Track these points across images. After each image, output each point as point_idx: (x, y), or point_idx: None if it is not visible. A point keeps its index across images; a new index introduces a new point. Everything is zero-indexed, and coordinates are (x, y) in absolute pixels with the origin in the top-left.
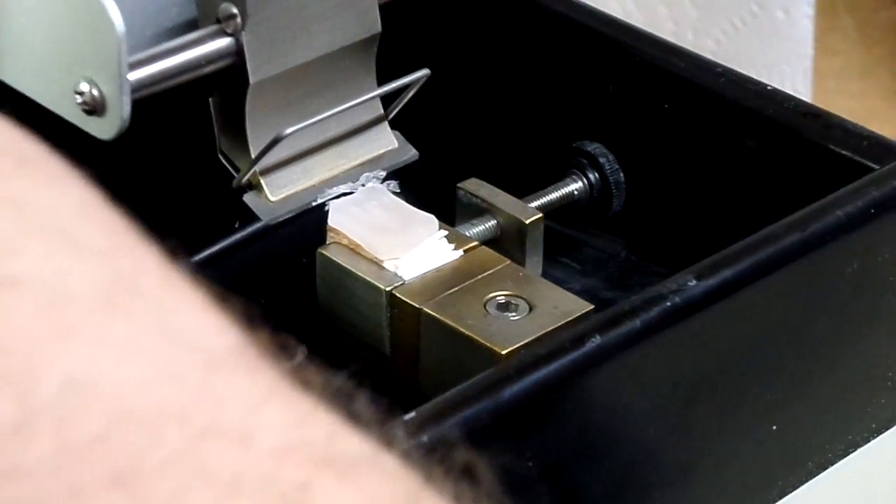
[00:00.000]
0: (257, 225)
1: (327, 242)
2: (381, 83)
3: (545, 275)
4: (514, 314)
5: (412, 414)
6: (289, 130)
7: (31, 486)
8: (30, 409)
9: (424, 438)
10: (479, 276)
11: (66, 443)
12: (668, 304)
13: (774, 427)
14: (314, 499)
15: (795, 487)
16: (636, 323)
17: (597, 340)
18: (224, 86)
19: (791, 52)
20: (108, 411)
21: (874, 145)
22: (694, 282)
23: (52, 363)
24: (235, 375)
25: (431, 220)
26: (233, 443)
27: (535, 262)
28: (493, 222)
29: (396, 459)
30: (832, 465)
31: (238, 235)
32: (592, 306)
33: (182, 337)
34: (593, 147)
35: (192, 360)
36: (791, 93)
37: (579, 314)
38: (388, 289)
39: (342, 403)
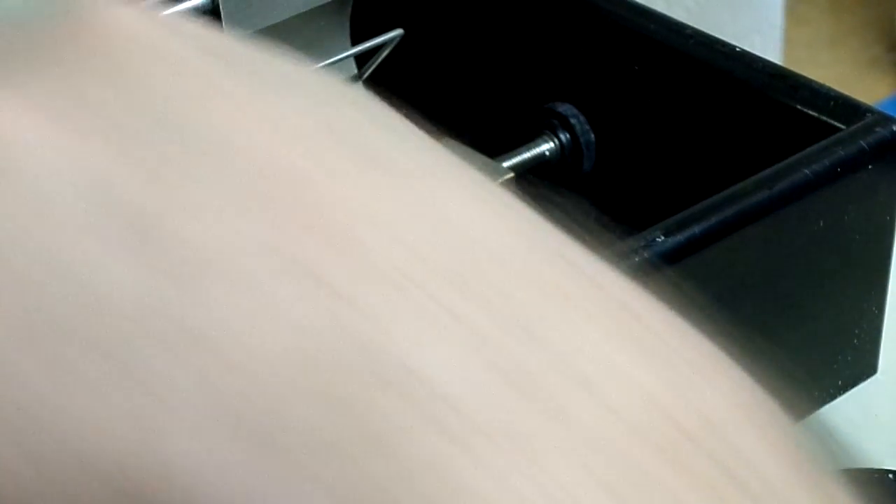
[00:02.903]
0: None
1: None
2: (354, 44)
3: None
4: None
5: None
6: None
7: None
8: None
9: None
10: None
11: None
12: (636, 259)
13: None
14: None
15: None
16: None
17: None
18: None
19: (762, 21)
20: None
21: (841, 105)
22: (662, 238)
23: None
24: None
25: None
26: None
27: None
28: None
29: None
30: (798, 421)
31: None
32: None
33: None
34: (564, 108)
35: None
36: None
37: None
38: None
39: None
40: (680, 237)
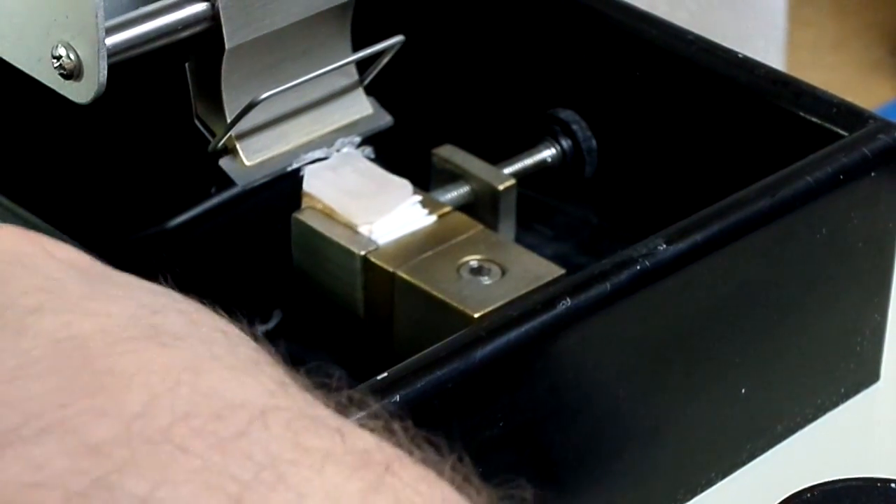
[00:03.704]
0: (233, 190)
1: (302, 207)
2: (356, 49)
3: (518, 240)
4: (486, 278)
5: (384, 374)
6: (264, 95)
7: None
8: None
9: (397, 398)
10: (453, 241)
11: None
12: (638, 267)
13: (743, 390)
14: None
15: (764, 451)
16: (606, 286)
17: (567, 303)
18: (200, 50)
19: (765, 24)
20: None
21: (844, 112)
22: (664, 246)
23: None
24: None
25: (406, 185)
26: None
27: (508, 228)
28: (466, 188)
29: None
30: (801, 429)
31: (214, 200)
32: (564, 271)
33: None
34: (566, 114)
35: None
36: None
37: (551, 278)
38: (362, 253)
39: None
40: (682, 245)
